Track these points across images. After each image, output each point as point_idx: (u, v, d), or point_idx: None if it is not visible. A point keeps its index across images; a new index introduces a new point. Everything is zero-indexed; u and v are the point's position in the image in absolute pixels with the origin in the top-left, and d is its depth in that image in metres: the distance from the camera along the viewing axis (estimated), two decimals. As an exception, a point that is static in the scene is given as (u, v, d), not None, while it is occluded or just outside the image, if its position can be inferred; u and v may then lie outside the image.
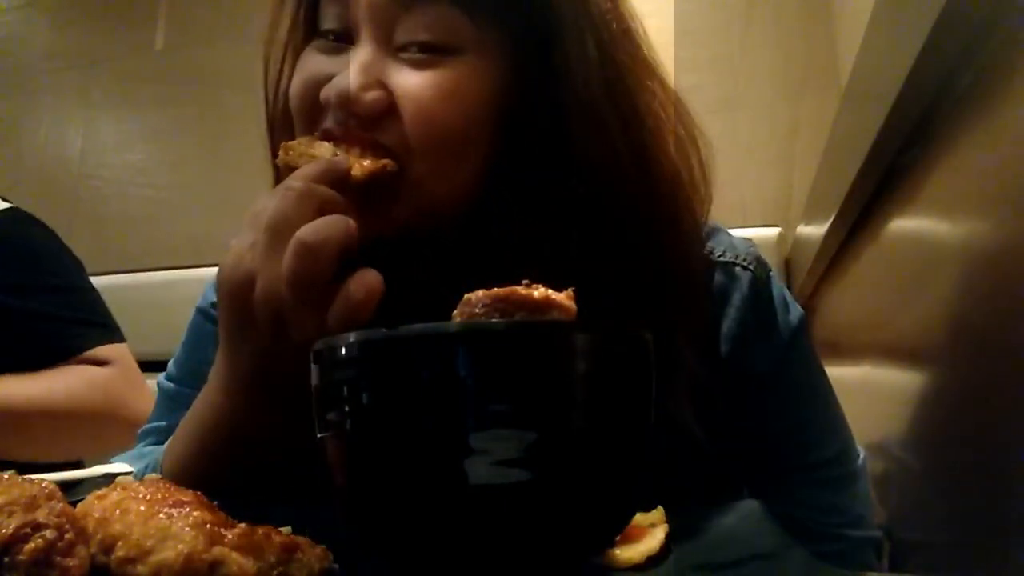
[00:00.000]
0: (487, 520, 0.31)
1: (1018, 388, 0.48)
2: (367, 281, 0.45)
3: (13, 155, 2.15)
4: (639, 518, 0.43)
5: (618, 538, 0.39)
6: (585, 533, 0.34)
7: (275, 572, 0.33)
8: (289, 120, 0.59)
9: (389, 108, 0.54)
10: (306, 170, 0.50)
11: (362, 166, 0.52)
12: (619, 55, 0.58)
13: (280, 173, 0.55)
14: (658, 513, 0.45)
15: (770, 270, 0.66)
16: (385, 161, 0.53)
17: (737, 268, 0.64)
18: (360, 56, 0.54)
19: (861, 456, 0.68)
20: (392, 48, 0.55)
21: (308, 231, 0.45)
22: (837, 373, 0.67)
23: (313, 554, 0.34)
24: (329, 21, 0.58)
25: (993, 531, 0.52)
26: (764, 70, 1.61)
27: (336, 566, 0.35)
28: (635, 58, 0.60)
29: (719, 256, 0.64)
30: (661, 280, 0.57)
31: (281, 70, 0.62)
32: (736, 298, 0.62)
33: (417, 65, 0.54)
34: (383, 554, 0.34)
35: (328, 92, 0.54)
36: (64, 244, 1.24)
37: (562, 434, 0.32)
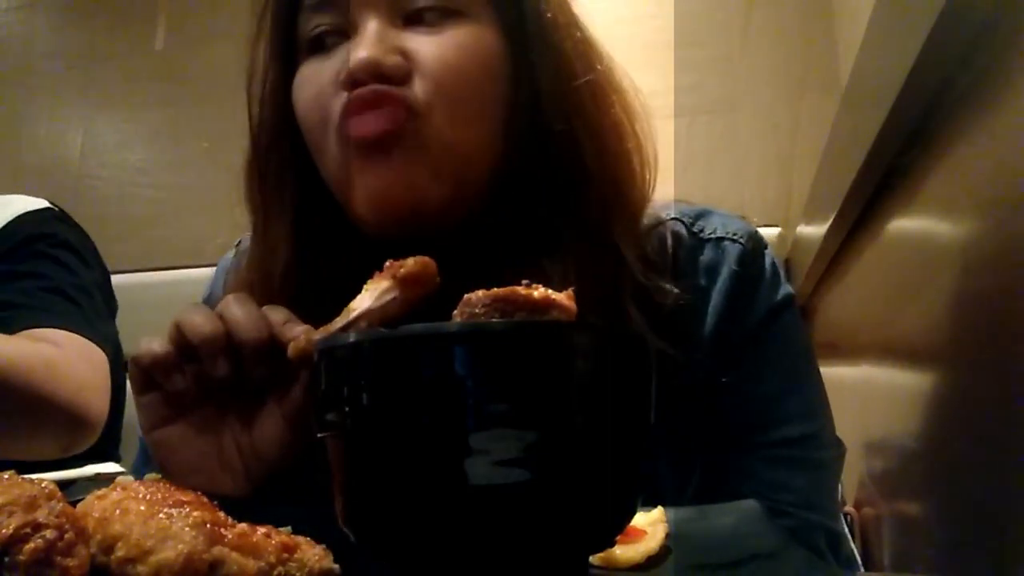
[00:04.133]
0: (487, 520, 0.31)
1: (1018, 388, 0.48)
2: None
3: (13, 155, 2.14)
4: (639, 518, 0.43)
5: (618, 538, 0.39)
6: (585, 533, 0.34)
7: (275, 572, 0.33)
8: (278, 131, 0.63)
9: (409, 74, 0.56)
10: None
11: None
12: (573, 42, 0.62)
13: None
14: (658, 513, 0.45)
15: (765, 246, 0.67)
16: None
17: (726, 242, 0.65)
18: (370, 30, 0.57)
19: (841, 449, 0.66)
20: (398, 23, 0.58)
21: (140, 348, 0.50)
22: (837, 373, 0.67)
23: (313, 554, 0.34)
24: (315, 28, 0.60)
25: (993, 530, 0.52)
26: (764, 70, 1.60)
27: (336, 566, 0.35)
28: (585, 44, 0.63)
29: (709, 234, 0.65)
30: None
31: (264, 86, 0.65)
32: (725, 272, 0.63)
33: (429, 30, 0.58)
34: (383, 554, 0.34)
35: (353, 65, 0.55)
36: (88, 250, 1.19)
37: (562, 434, 0.32)
